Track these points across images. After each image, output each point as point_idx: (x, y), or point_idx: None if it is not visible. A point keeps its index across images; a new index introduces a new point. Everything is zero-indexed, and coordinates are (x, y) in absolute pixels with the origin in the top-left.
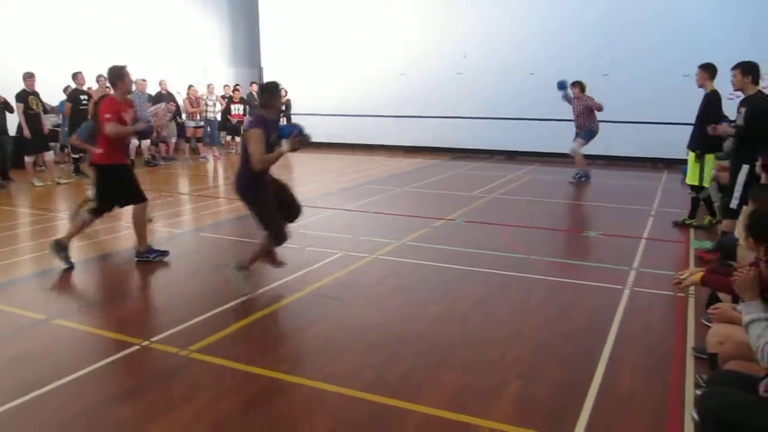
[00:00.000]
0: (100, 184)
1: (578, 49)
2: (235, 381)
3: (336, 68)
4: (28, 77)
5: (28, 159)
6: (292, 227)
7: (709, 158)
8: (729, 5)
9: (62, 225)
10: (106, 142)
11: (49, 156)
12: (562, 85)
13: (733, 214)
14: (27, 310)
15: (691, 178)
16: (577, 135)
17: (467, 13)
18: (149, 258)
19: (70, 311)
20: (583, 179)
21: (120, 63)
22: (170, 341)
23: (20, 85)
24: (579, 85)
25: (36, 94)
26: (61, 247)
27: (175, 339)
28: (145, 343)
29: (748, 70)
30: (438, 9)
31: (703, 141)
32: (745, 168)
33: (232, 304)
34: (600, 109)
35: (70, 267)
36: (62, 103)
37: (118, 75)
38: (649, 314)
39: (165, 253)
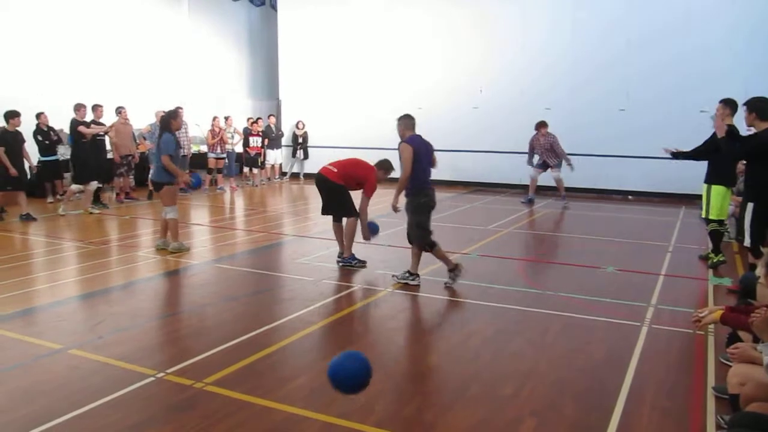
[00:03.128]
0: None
1: (595, 84)
2: (249, 414)
3: (353, 100)
4: (81, 107)
5: (75, 187)
6: (308, 260)
7: (719, 191)
8: (756, 45)
9: (87, 253)
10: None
11: (93, 185)
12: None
13: (755, 252)
14: (43, 339)
15: (706, 212)
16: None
17: (483, 49)
18: (351, 264)
19: (87, 341)
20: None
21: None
22: (185, 373)
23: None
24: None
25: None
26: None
27: (190, 371)
28: (160, 374)
29: (752, 107)
30: (455, 45)
31: (711, 174)
32: (749, 206)
33: (247, 336)
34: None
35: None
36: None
37: None
38: (668, 352)
39: (364, 262)
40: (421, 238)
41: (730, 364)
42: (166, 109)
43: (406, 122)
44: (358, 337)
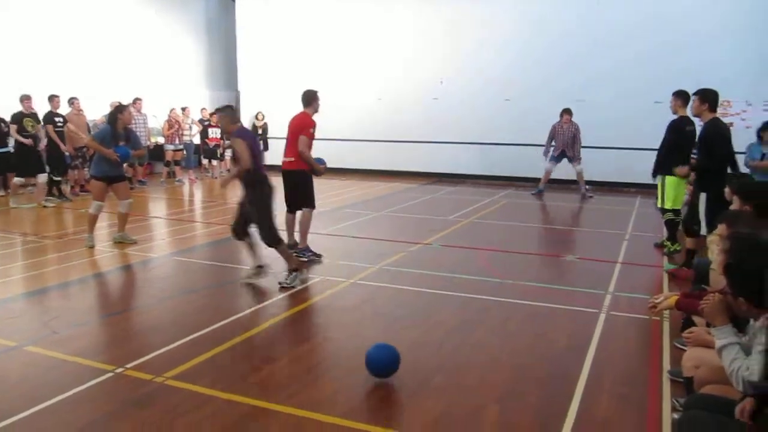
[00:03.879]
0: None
1: (551, 76)
2: (211, 408)
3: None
4: (25, 99)
5: (17, 180)
6: (269, 253)
7: (672, 181)
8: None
9: (39, 247)
10: None
11: (42, 178)
12: None
13: (698, 234)
14: None
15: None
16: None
17: (444, 41)
18: (305, 256)
19: (42, 337)
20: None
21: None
22: (144, 368)
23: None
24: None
25: (33, 116)
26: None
27: (150, 366)
28: (119, 369)
29: (704, 97)
30: (415, 37)
31: (663, 164)
32: (702, 196)
33: (208, 329)
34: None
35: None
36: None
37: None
38: (625, 338)
39: (320, 255)
40: (270, 236)
41: (685, 348)
42: (121, 101)
43: (232, 115)
44: (320, 328)
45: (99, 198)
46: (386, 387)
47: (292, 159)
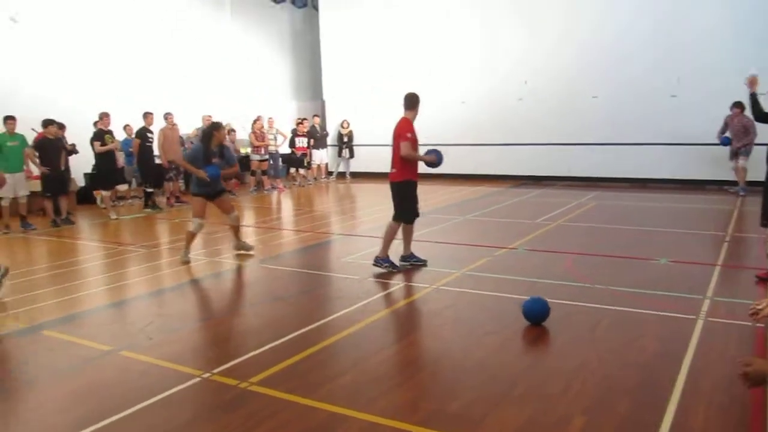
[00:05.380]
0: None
1: (641, 71)
2: (293, 414)
3: (397, 98)
4: (104, 116)
5: (105, 193)
6: (353, 259)
7: None
8: None
9: (132, 257)
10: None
11: (123, 188)
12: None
13: None
14: (95, 341)
15: None
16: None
17: (528, 40)
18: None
19: (137, 343)
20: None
21: (180, 100)
22: (230, 373)
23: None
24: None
25: (110, 132)
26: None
27: (236, 371)
28: (206, 375)
29: None
30: (499, 37)
31: None
32: None
33: (293, 335)
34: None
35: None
36: (127, 141)
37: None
38: (725, 346)
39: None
40: None
41: None
42: (212, 115)
43: None
44: (403, 334)
45: (199, 215)
46: (469, 394)
47: (395, 170)
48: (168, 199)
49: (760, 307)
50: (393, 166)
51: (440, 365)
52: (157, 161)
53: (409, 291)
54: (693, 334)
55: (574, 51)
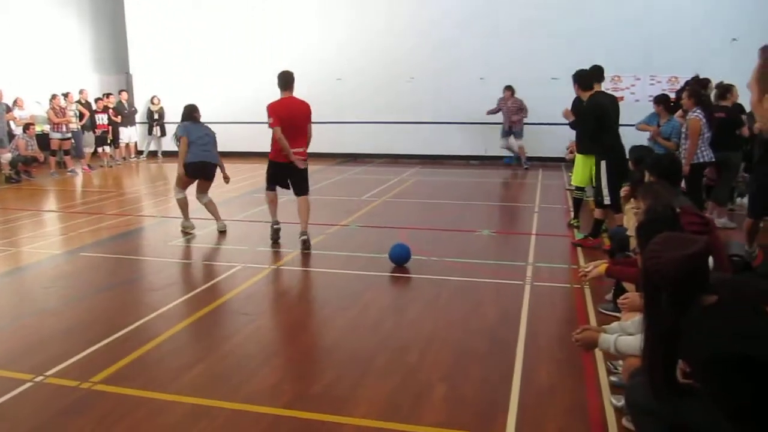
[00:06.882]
0: None
1: (458, 53)
2: (149, 411)
3: (212, 73)
4: None
5: None
6: (183, 243)
7: (579, 159)
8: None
9: None
10: None
11: None
12: None
13: (606, 206)
14: None
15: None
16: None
17: (348, 19)
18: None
19: None
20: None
21: None
22: (67, 374)
23: None
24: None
25: None
26: None
27: (73, 371)
28: (39, 378)
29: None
30: (318, 15)
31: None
32: (602, 164)
33: (131, 328)
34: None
35: None
36: None
37: None
38: (553, 307)
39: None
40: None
41: (609, 313)
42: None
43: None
44: (252, 317)
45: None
46: (330, 373)
47: (304, 149)
48: None
49: (587, 269)
50: (302, 145)
51: (298, 346)
52: None
53: (249, 273)
54: (524, 299)
55: (391, 32)
